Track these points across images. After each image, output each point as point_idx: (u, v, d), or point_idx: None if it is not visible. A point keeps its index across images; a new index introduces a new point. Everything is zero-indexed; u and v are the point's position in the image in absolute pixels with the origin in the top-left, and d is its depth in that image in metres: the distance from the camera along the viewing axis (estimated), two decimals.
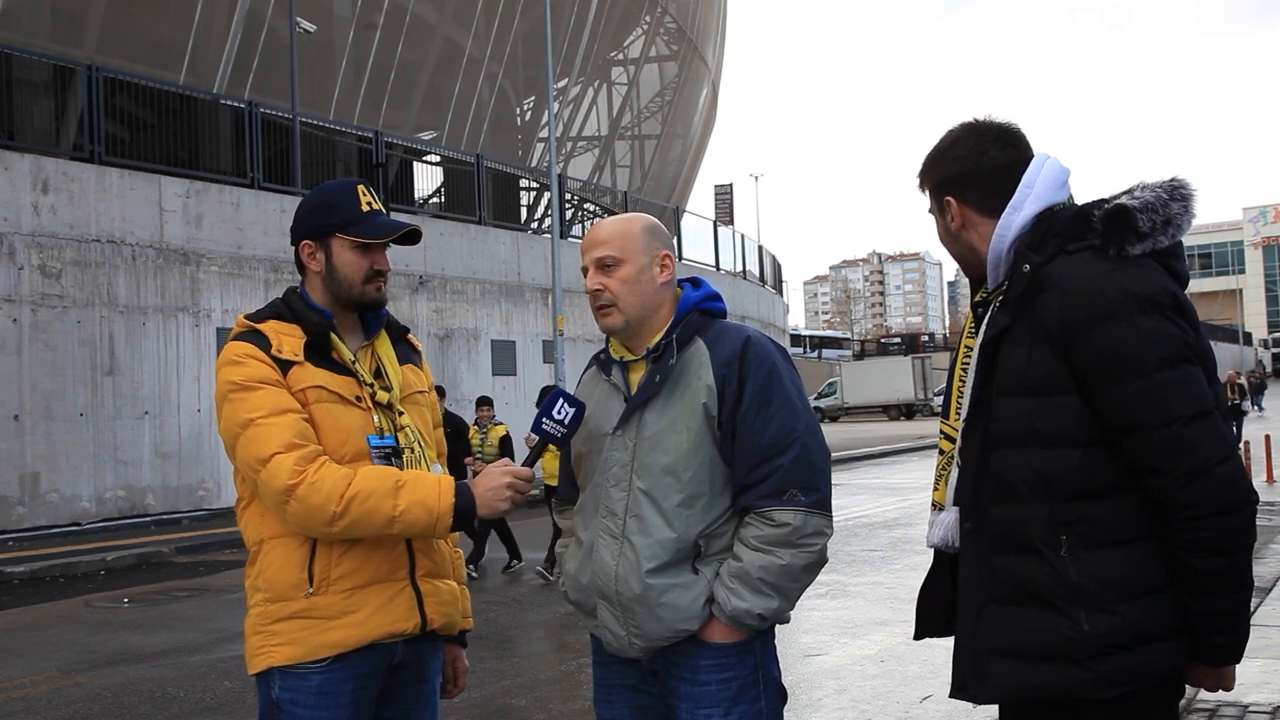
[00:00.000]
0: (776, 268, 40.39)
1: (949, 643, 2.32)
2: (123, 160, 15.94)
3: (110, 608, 9.59)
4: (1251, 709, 4.91)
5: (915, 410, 50.51)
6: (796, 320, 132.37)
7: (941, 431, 2.37)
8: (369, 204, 2.54)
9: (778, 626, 2.48)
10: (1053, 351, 2.06)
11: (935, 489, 2.36)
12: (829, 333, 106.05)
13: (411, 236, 2.56)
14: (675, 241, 29.86)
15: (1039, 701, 2.11)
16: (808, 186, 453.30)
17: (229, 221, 16.43)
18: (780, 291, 41.23)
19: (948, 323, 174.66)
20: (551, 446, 2.49)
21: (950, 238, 2.30)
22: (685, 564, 2.38)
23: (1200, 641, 2.06)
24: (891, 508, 14.73)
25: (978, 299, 2.31)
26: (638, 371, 2.50)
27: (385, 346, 2.63)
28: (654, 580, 2.36)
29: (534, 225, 28.41)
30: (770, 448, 2.35)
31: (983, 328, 2.22)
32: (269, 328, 2.48)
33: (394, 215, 2.93)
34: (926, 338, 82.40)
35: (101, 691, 6.61)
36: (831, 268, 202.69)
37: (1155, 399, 1.99)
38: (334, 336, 2.51)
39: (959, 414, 2.28)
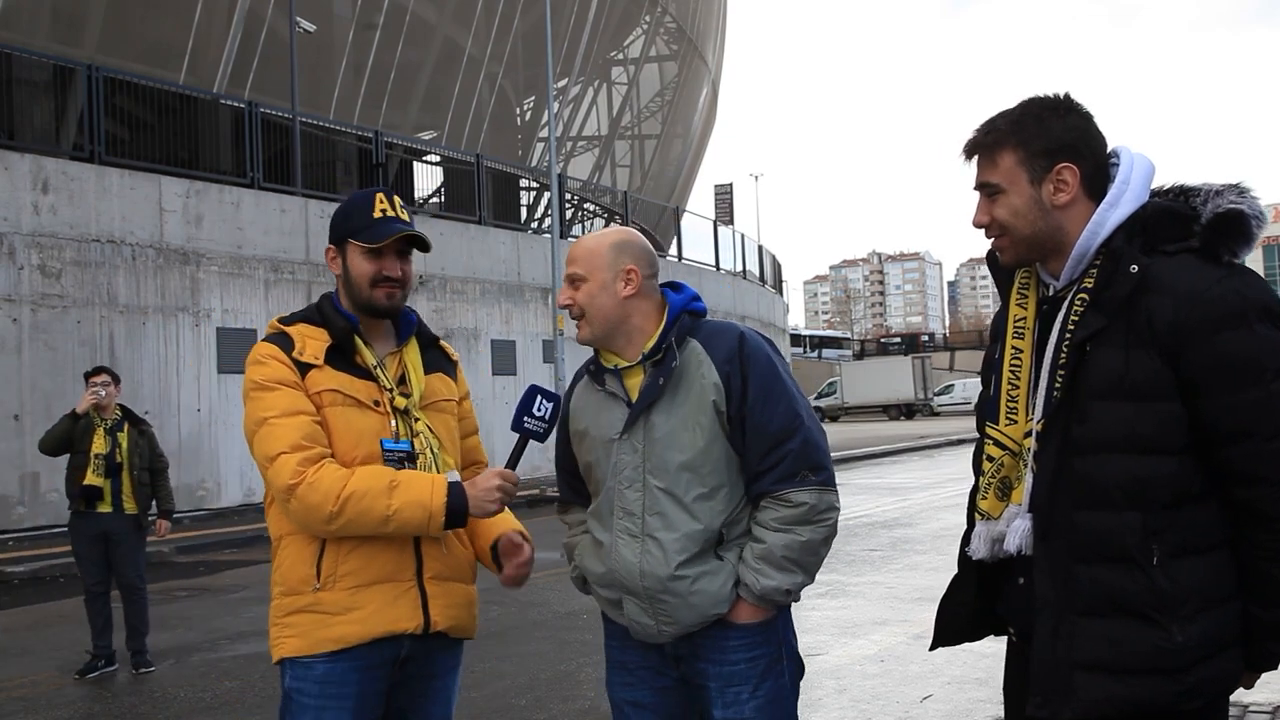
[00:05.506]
0: (776, 267, 40.40)
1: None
2: (123, 160, 15.94)
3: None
4: (1252, 709, 4.90)
5: (915, 410, 50.58)
6: (796, 320, 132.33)
7: (989, 436, 2.22)
8: (383, 211, 2.61)
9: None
10: (1161, 356, 1.98)
11: (984, 497, 2.22)
12: (829, 332, 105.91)
13: (419, 244, 2.64)
14: (675, 244, 29.98)
15: (1121, 715, 2.02)
16: (808, 186, 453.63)
17: (229, 221, 16.41)
18: (780, 291, 41.23)
19: (948, 323, 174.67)
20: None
21: (1040, 212, 2.11)
22: (710, 552, 2.49)
23: (1255, 647, 2.05)
24: (891, 508, 14.70)
25: (1050, 294, 2.16)
26: (635, 377, 2.57)
27: (413, 354, 2.70)
28: (684, 572, 2.47)
29: (534, 225, 28.41)
30: (779, 434, 2.47)
31: (1060, 327, 2.09)
32: (296, 330, 2.59)
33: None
34: (926, 337, 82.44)
35: (101, 691, 6.62)
36: (831, 268, 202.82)
37: (1270, 408, 1.97)
38: (358, 341, 2.60)
39: (1010, 419, 2.19)
